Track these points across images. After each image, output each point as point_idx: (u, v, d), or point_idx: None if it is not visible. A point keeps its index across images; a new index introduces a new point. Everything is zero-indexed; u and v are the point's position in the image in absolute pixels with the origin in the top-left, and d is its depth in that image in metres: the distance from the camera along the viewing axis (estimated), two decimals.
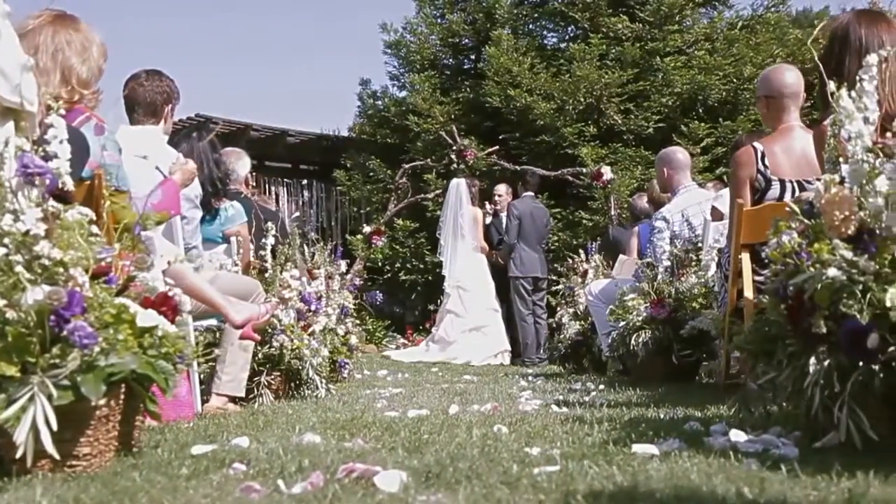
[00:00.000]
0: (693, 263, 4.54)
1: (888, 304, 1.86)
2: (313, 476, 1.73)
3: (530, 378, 5.91)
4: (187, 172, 3.35)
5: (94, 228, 2.23)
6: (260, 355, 4.15)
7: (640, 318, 4.49)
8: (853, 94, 2.15)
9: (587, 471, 1.74)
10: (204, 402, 3.80)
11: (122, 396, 1.98)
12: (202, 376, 3.98)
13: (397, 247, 11.86)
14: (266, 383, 4.13)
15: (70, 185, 2.16)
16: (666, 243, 4.76)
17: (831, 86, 2.10)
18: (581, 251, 7.88)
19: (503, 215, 9.19)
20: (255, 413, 3.55)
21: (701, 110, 11.22)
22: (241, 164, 5.20)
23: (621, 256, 6.17)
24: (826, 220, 2.05)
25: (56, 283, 1.85)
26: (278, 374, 4.23)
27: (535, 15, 12.10)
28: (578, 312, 6.65)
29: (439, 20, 12.67)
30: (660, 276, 4.60)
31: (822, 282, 1.97)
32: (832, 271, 1.96)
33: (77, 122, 2.69)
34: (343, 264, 7.47)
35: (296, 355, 4.27)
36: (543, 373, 6.63)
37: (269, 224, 4.51)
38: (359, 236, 11.34)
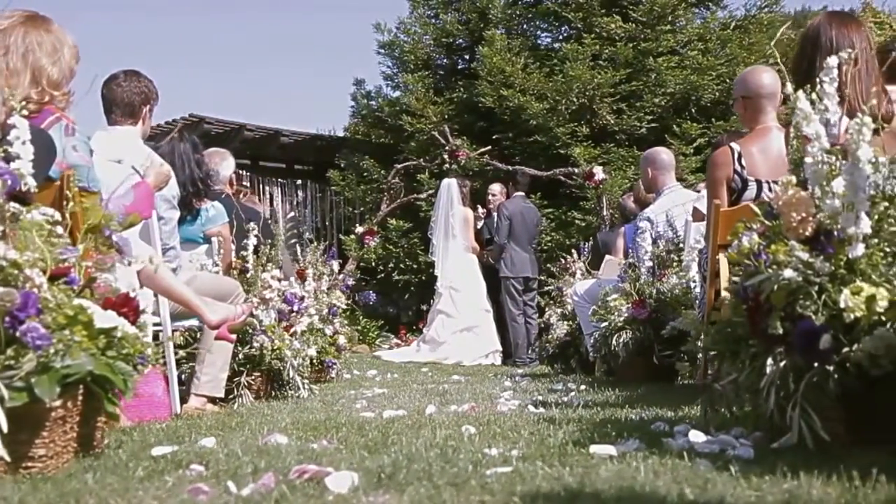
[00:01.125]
0: (674, 264, 4.54)
1: (842, 305, 1.86)
2: (265, 477, 1.74)
3: (517, 378, 5.91)
4: (161, 175, 3.35)
5: (59, 229, 2.25)
6: (240, 356, 4.16)
7: (621, 319, 4.49)
8: (814, 95, 2.15)
9: (538, 472, 1.75)
10: (185, 402, 3.81)
11: (80, 398, 1.98)
12: (183, 377, 4.00)
13: (391, 247, 11.86)
14: (246, 384, 4.14)
15: (32, 185, 2.17)
16: (648, 244, 4.76)
17: (788, 87, 2.10)
18: (574, 251, 7.89)
19: (496, 214, 9.20)
20: (231, 414, 3.55)
21: (694, 110, 11.22)
22: (224, 164, 5.20)
23: (607, 257, 6.18)
24: (784, 222, 2.05)
25: (12, 284, 1.86)
26: (259, 374, 4.24)
27: (529, 15, 12.10)
28: (567, 313, 6.66)
29: (433, 20, 12.67)
30: (642, 277, 4.61)
31: (779, 283, 1.98)
32: (788, 272, 1.96)
33: (47, 123, 2.70)
34: (335, 264, 7.48)
35: (277, 356, 4.28)
36: (531, 373, 6.63)
37: (252, 224, 4.51)
38: (352, 236, 11.36)
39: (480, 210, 9.70)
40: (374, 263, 11.80)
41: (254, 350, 4.16)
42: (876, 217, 1.92)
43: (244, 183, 12.08)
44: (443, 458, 1.96)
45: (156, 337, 3.84)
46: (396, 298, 12.51)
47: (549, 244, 10.71)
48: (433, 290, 9.63)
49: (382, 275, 11.97)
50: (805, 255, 1.96)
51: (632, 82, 10.96)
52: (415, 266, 11.80)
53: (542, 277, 8.44)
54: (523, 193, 9.12)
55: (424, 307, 11.07)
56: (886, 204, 1.93)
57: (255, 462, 1.97)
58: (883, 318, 1.84)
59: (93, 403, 2.03)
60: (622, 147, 10.93)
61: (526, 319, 8.75)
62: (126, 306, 2.11)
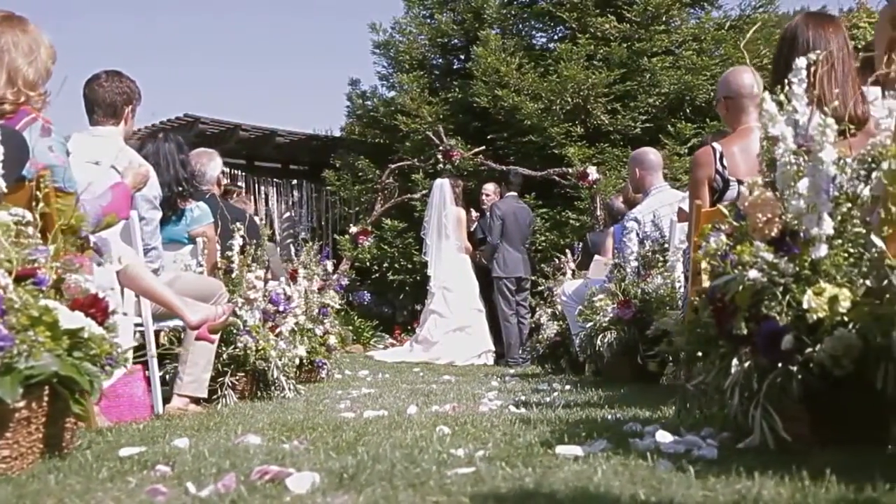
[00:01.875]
0: (660, 264, 4.54)
1: (805, 306, 1.86)
2: (226, 478, 1.74)
3: (507, 378, 5.92)
4: (139, 176, 3.36)
5: (31, 230, 2.25)
6: (225, 356, 4.16)
7: (606, 319, 4.49)
8: (781, 96, 2.16)
9: (498, 472, 1.75)
10: (168, 402, 3.82)
11: (46, 398, 1.98)
12: (167, 377, 4.00)
13: (385, 247, 11.86)
14: (230, 384, 4.14)
15: (2, 186, 2.18)
16: (634, 244, 4.77)
17: (755, 89, 2.10)
18: (568, 251, 7.90)
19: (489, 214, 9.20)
20: (212, 414, 3.56)
21: (688, 110, 11.22)
22: (212, 165, 5.20)
23: (596, 257, 6.18)
24: (749, 223, 2.05)
25: None
26: (243, 375, 4.24)
27: (524, 15, 12.09)
28: (557, 313, 6.66)
29: (428, 20, 12.67)
30: (627, 277, 4.61)
31: (744, 283, 1.98)
32: (753, 273, 1.96)
33: (22, 124, 2.70)
34: (329, 264, 7.48)
35: (261, 356, 4.28)
36: (521, 373, 6.63)
37: (237, 224, 4.51)
38: (346, 236, 11.36)
39: (474, 214, 9.70)
40: (368, 263, 11.80)
41: (238, 350, 4.16)
42: (839, 218, 1.92)
43: (239, 184, 12.10)
44: (408, 459, 1.97)
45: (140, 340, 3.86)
46: (391, 298, 12.51)
47: (544, 244, 10.71)
48: (427, 291, 9.63)
49: (377, 275, 11.96)
50: (770, 256, 1.96)
51: (626, 82, 10.96)
52: (409, 266, 11.80)
53: (534, 277, 8.45)
54: (516, 193, 9.13)
55: (419, 307, 11.08)
56: (849, 205, 1.93)
57: (220, 463, 1.97)
58: (845, 319, 1.84)
59: (59, 404, 2.04)
60: (617, 147, 10.92)
61: (518, 319, 8.76)
62: (94, 307, 2.12)
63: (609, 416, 2.90)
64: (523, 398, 3.95)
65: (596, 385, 4.46)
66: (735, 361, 1.99)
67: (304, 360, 5.65)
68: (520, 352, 8.31)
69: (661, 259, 4.58)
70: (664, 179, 5.65)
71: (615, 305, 4.52)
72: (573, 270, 6.77)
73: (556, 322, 6.63)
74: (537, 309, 7.38)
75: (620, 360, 4.48)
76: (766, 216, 2.02)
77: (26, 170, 2.55)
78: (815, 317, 1.85)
